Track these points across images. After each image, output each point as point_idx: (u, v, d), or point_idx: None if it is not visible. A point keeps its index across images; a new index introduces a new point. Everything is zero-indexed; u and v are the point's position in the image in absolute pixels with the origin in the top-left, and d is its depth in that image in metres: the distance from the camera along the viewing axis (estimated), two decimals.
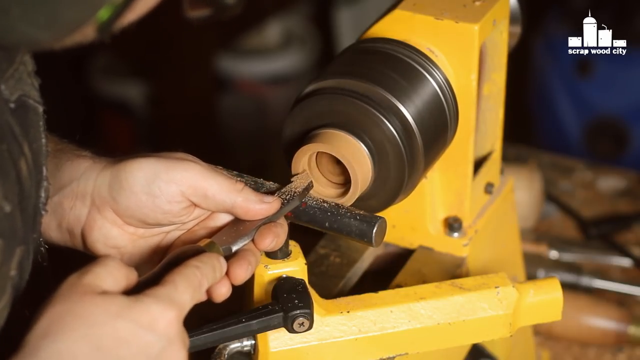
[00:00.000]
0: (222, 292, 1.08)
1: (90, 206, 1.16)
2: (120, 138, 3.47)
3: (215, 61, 3.45)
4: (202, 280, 1.03)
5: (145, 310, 0.97)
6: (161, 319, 0.97)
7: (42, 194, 1.11)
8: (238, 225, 1.15)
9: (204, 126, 3.41)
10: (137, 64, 3.43)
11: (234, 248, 1.12)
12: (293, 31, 3.63)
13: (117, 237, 1.17)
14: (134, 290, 1.00)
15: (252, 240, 1.14)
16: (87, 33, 0.95)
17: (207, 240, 1.12)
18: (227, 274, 1.09)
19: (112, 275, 0.99)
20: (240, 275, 1.10)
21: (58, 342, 0.94)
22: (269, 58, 3.52)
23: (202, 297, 1.04)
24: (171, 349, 0.98)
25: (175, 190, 1.14)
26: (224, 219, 1.18)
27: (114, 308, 0.96)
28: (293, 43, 3.58)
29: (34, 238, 1.11)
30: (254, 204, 1.14)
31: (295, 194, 1.19)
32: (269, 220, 1.15)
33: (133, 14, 0.97)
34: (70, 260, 1.26)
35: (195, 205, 1.15)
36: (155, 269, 1.05)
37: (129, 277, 1.01)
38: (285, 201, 1.17)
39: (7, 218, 1.01)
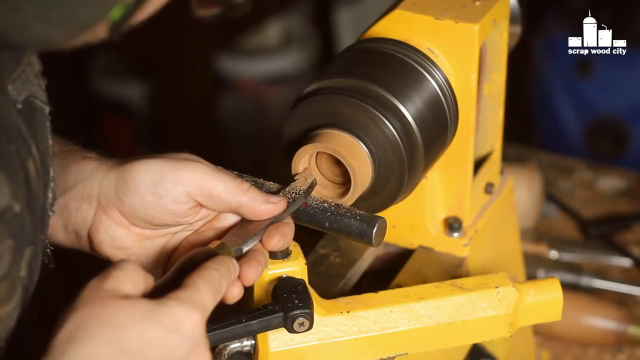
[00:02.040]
0: (235, 294, 1.08)
1: (97, 207, 1.16)
2: (120, 138, 3.47)
3: (215, 61, 3.45)
4: (221, 282, 1.03)
5: (170, 313, 0.97)
6: (187, 322, 0.97)
7: (50, 195, 1.11)
8: (246, 226, 1.15)
9: (204, 126, 3.41)
10: (137, 64, 3.43)
11: (245, 249, 1.12)
12: (293, 31, 3.62)
13: (123, 238, 1.17)
14: (152, 294, 1.00)
15: (260, 240, 1.14)
16: (98, 32, 0.95)
17: (218, 242, 1.12)
18: (238, 275, 1.09)
19: (131, 279, 1.00)
20: (251, 275, 1.10)
21: (84, 346, 0.94)
22: (269, 58, 3.52)
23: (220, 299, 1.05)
24: (197, 351, 0.98)
25: (181, 191, 1.14)
26: (230, 219, 1.18)
27: (138, 311, 0.96)
28: (293, 43, 3.58)
29: (42, 239, 1.11)
30: (260, 204, 1.14)
31: (300, 193, 1.19)
32: (276, 219, 1.15)
33: (143, 14, 0.97)
34: (76, 262, 1.26)
35: (201, 205, 1.16)
36: (169, 272, 1.05)
37: (147, 280, 1.02)
38: (291, 200, 1.18)
39: (17, 218, 1.01)
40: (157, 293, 1.00)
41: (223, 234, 1.16)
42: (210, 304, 1.01)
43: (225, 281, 1.04)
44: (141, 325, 0.95)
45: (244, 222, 1.16)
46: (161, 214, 1.15)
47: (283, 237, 1.14)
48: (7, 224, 0.99)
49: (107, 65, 3.47)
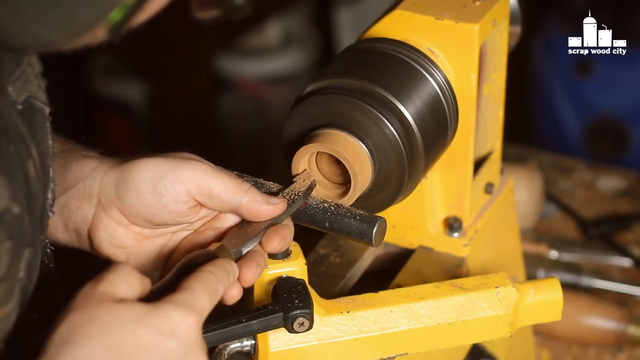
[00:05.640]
0: (234, 295, 1.08)
1: (97, 206, 1.16)
2: (120, 138, 3.47)
3: (215, 61, 3.45)
4: (218, 285, 1.03)
5: (165, 317, 0.97)
6: (181, 325, 0.97)
7: (49, 196, 1.11)
8: (246, 227, 1.15)
9: (204, 126, 3.41)
10: (137, 64, 3.43)
11: (244, 250, 1.12)
12: (293, 31, 3.63)
13: (123, 237, 1.17)
14: (148, 298, 1.00)
15: (259, 242, 1.14)
16: (97, 34, 0.95)
17: (217, 244, 1.12)
18: (237, 277, 1.09)
19: (126, 282, 1.00)
20: (250, 277, 1.10)
21: (78, 348, 0.94)
22: (269, 58, 3.52)
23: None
24: (192, 354, 0.98)
25: (181, 190, 1.14)
26: (230, 219, 1.18)
27: (133, 315, 0.96)
28: (293, 43, 3.58)
29: (41, 240, 1.11)
30: (260, 205, 1.14)
31: (299, 194, 1.19)
32: (275, 221, 1.15)
33: (143, 15, 0.97)
34: (77, 261, 1.26)
35: (201, 204, 1.15)
36: (167, 276, 1.05)
37: (143, 283, 1.01)
38: (290, 202, 1.18)
39: (15, 220, 1.01)
40: (154, 296, 1.00)
41: (223, 234, 1.16)
42: (206, 307, 1.00)
43: (222, 284, 1.04)
44: (136, 328, 0.95)
45: (243, 223, 1.16)
46: (161, 213, 1.15)
47: (282, 239, 1.14)
48: (5, 226, 0.99)
49: (107, 65, 3.47)
